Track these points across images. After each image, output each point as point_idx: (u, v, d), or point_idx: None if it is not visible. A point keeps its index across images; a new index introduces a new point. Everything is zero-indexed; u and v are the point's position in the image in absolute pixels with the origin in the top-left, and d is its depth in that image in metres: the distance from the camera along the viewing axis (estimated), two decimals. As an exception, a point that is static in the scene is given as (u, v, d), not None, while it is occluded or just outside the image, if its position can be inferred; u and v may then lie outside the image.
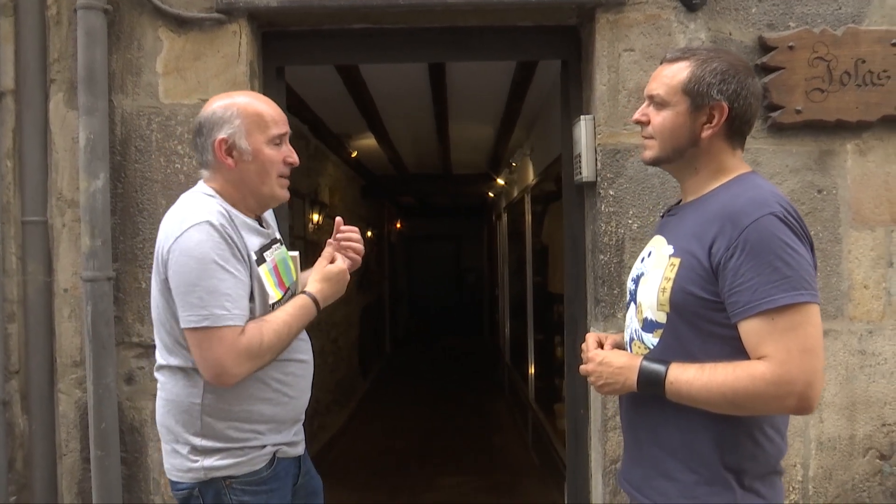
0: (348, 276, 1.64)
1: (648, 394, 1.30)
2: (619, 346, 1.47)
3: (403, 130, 5.23)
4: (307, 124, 4.72)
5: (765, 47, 2.30)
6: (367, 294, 8.27)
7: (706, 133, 1.32)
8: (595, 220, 2.39)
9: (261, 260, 1.52)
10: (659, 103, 1.35)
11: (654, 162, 1.40)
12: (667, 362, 1.28)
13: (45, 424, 2.33)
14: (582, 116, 2.39)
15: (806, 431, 2.35)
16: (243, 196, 1.55)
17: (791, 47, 2.27)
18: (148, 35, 2.34)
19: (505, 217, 7.68)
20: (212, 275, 1.39)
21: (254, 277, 1.48)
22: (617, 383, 1.33)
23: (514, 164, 5.62)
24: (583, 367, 1.40)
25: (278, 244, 1.64)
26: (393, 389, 7.93)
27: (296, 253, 1.74)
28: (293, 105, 4.27)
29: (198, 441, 1.48)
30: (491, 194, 8.41)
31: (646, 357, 1.32)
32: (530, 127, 4.89)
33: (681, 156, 1.36)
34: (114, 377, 2.26)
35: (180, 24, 2.33)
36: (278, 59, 2.55)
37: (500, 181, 7.05)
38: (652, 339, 1.35)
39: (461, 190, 9.03)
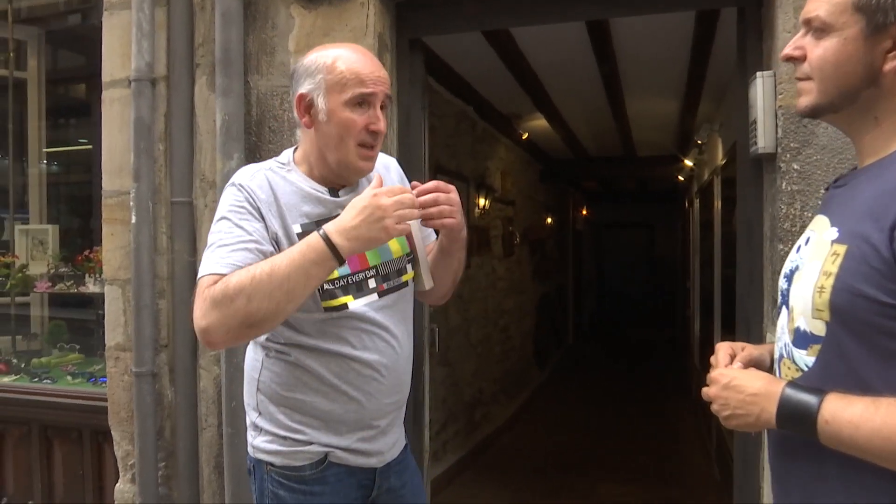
0: (384, 204, 1.23)
1: (796, 435, 0.93)
2: (759, 364, 1.09)
3: (574, 108, 4.87)
4: (472, 105, 4.57)
5: None
6: (546, 283, 8.01)
7: (890, 65, 0.91)
8: (775, 202, 1.92)
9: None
10: (819, 29, 0.96)
11: (814, 111, 1.00)
12: (821, 392, 0.90)
13: (188, 398, 2.42)
14: (759, 73, 1.93)
15: None
16: (318, 160, 1.40)
17: None
18: (281, 13, 2.31)
19: (696, 203, 6.93)
20: (219, 229, 1.32)
21: (283, 246, 1.33)
22: (749, 415, 0.97)
23: (700, 143, 4.99)
24: (705, 391, 1.05)
25: None
26: (570, 383, 7.60)
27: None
28: (456, 86, 4.15)
29: (255, 416, 1.43)
30: (681, 178, 7.66)
31: (791, 383, 0.95)
32: (719, 98, 4.28)
33: (852, 101, 0.96)
34: (244, 357, 2.27)
35: (310, -1, 2.27)
36: (412, 30, 2.40)
37: (689, 163, 6.35)
38: (806, 359, 0.97)
39: (648, 173, 8.37)
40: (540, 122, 5.31)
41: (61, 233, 3.51)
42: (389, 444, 1.46)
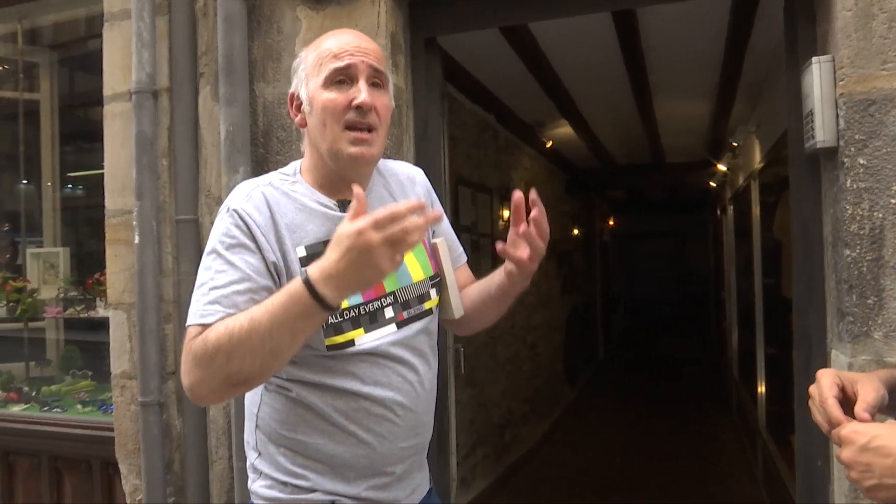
0: (371, 241, 0.96)
1: None
2: (882, 402, 0.85)
3: (600, 113, 4.67)
4: (493, 113, 4.40)
5: None
6: (574, 296, 7.77)
7: None
8: (837, 202, 1.71)
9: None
10: None
11: None
12: None
13: (197, 428, 2.27)
14: (815, 59, 1.72)
15: None
16: (319, 162, 1.23)
17: None
18: (287, 16, 2.17)
19: (730, 209, 6.67)
20: (208, 266, 1.14)
21: (282, 277, 1.15)
22: None
23: (735, 145, 4.75)
24: (842, 455, 0.82)
25: None
26: (602, 400, 7.33)
27: (439, 240, 1.32)
28: (476, 93, 3.99)
29: (254, 457, 1.26)
30: (713, 184, 7.40)
31: None
32: (755, 97, 4.05)
33: None
34: (255, 385, 2.11)
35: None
36: (428, 29, 2.24)
37: (722, 167, 6.10)
38: None
39: (678, 181, 8.10)
40: (565, 130, 5.12)
41: (82, 256, 3.42)
42: (407, 491, 1.27)
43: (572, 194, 7.82)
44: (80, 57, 3.73)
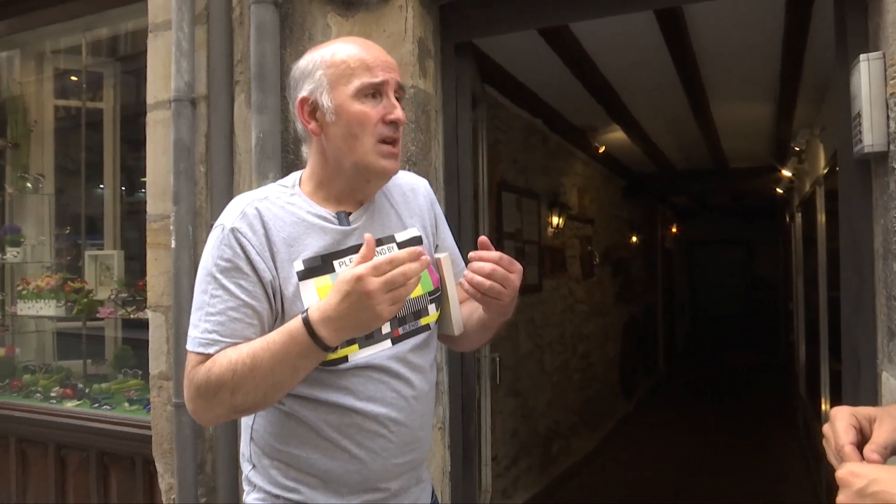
0: (370, 289, 0.99)
1: None
2: None
3: (653, 117, 4.52)
4: (541, 118, 4.33)
5: None
6: (632, 305, 7.56)
7: None
8: (888, 210, 1.58)
9: (324, 269, 1.16)
10: None
11: None
12: None
13: (228, 431, 2.29)
14: (863, 56, 1.60)
15: None
16: (331, 173, 1.21)
17: None
18: (318, 24, 2.18)
19: (798, 217, 6.34)
20: (204, 289, 1.13)
21: (276, 294, 1.14)
22: None
23: (799, 150, 4.50)
24: (838, 500, 0.73)
25: (392, 245, 1.24)
26: (660, 413, 7.09)
27: (443, 255, 1.29)
28: (521, 97, 3.93)
29: (248, 469, 1.26)
30: (779, 190, 7.06)
31: None
32: (818, 98, 3.82)
33: None
34: (281, 389, 2.12)
35: (347, 6, 2.13)
36: (458, 34, 2.21)
37: (787, 173, 5.80)
38: None
39: (742, 187, 7.77)
40: (618, 135, 4.99)
41: (142, 259, 3.54)
42: None
43: (630, 200, 7.62)
44: (143, 67, 3.88)
